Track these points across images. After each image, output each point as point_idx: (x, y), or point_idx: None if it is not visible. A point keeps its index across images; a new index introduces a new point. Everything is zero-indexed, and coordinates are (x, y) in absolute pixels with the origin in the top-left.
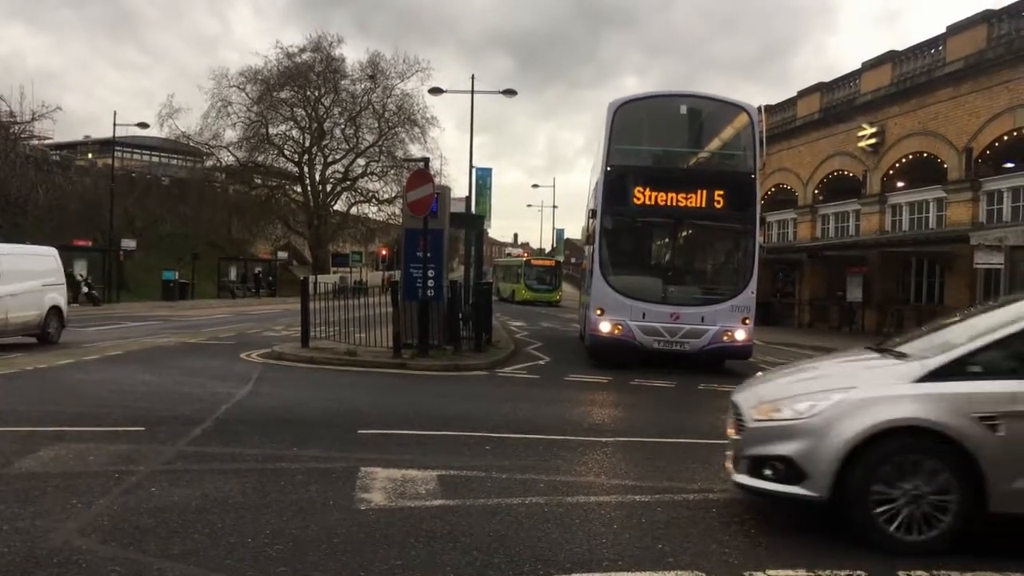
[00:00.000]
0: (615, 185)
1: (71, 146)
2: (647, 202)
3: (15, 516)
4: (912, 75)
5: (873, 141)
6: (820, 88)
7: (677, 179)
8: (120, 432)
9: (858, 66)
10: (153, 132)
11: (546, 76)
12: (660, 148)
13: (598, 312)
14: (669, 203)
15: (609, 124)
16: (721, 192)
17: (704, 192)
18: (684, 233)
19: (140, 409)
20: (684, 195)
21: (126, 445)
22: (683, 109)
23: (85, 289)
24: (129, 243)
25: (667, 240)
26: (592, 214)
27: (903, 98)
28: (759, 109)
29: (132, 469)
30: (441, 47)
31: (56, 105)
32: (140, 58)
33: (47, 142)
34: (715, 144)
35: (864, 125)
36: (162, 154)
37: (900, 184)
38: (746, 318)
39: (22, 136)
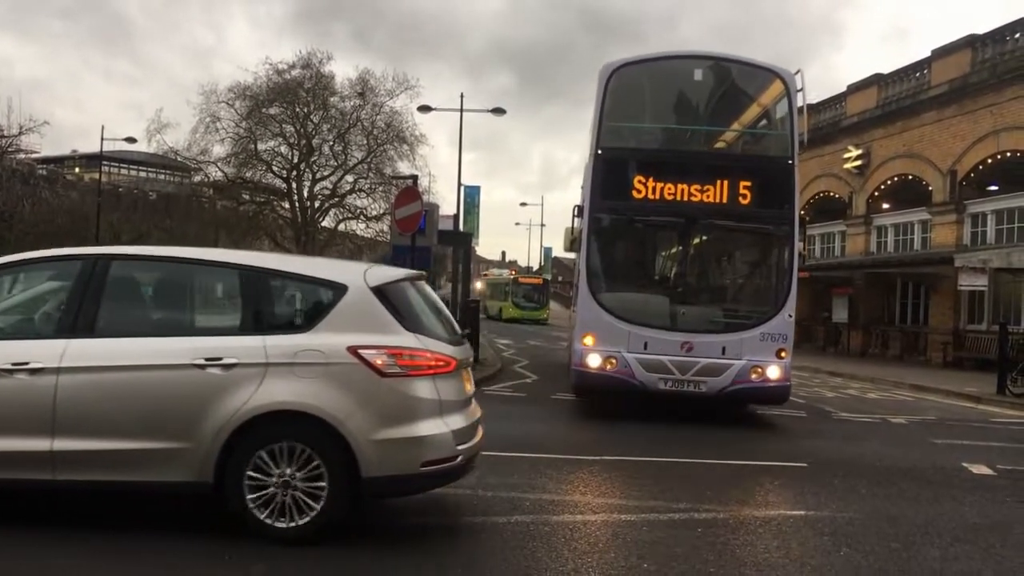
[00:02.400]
0: (608, 174)
1: (58, 160)
2: (650, 196)
3: None
4: (897, 98)
5: (859, 163)
6: (807, 109)
7: (690, 166)
8: None
9: (844, 88)
10: (141, 147)
11: (548, 92)
12: (668, 125)
13: (586, 341)
14: (679, 197)
15: (601, 94)
16: (748, 183)
17: (726, 183)
18: (699, 237)
19: None
20: (699, 187)
21: None
22: (698, 75)
23: None
24: None
25: (677, 246)
26: (578, 212)
27: (888, 120)
28: (798, 75)
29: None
30: (443, 61)
31: (44, 119)
32: (133, 70)
33: (34, 156)
34: (741, 120)
35: (850, 147)
36: (150, 169)
37: (885, 206)
38: (782, 350)
39: (9, 150)
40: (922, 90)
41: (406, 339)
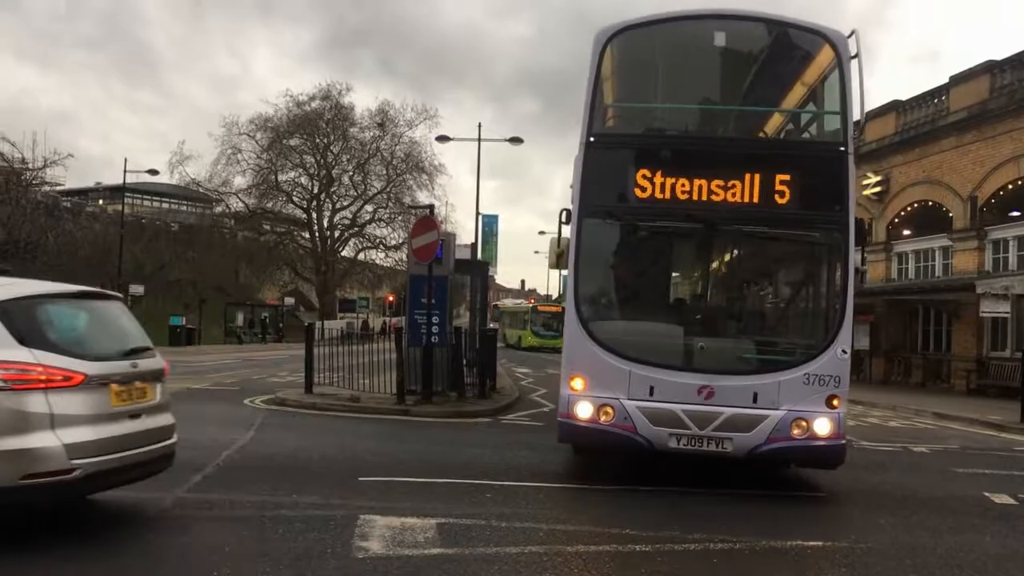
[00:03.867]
0: (603, 168)
1: (82, 192)
2: (658, 195)
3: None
4: (916, 124)
5: (878, 189)
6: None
7: (711, 156)
8: None
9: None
10: (164, 178)
11: (573, 118)
12: (681, 105)
13: (574, 384)
14: (696, 197)
15: (595, 67)
16: (787, 177)
17: (758, 178)
18: (723, 248)
19: None
20: (723, 183)
21: (126, 491)
22: (720, 39)
23: None
24: (137, 288)
25: (693, 260)
26: (566, 219)
27: (907, 147)
28: (852, 39)
29: (132, 516)
30: (468, 87)
31: (68, 152)
32: (156, 100)
33: (59, 188)
34: (777, 97)
35: (869, 174)
36: (172, 200)
37: (906, 232)
38: (834, 396)
39: (34, 183)
40: (941, 116)
41: (18, 354)
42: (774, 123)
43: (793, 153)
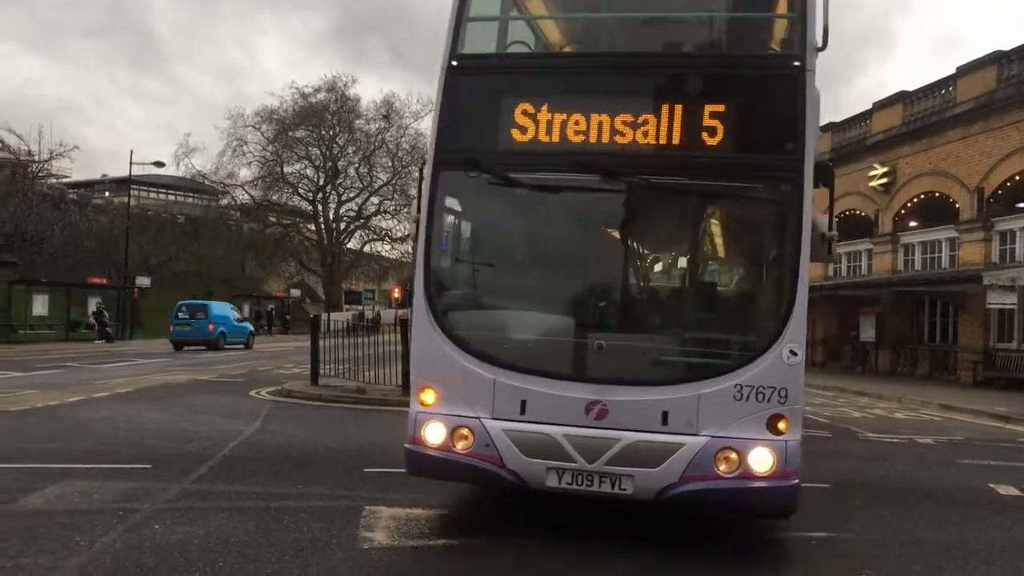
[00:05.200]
0: (468, 100)
1: (88, 184)
2: (541, 137)
3: (19, 553)
4: (923, 115)
5: (884, 181)
6: (831, 128)
7: (615, 81)
8: (126, 469)
9: (869, 106)
10: (170, 171)
11: None
12: (573, 15)
13: (423, 398)
14: (595, 138)
15: None
16: (719, 106)
17: (679, 109)
18: (627, 209)
19: (148, 446)
20: (630, 118)
21: (132, 483)
22: None
23: (92, 322)
24: (144, 281)
25: (586, 227)
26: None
27: (914, 138)
28: None
29: (136, 507)
30: None
31: (74, 144)
32: (162, 89)
33: (65, 180)
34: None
35: (875, 164)
36: (178, 192)
37: (912, 223)
38: (779, 417)
39: (40, 175)
40: (948, 107)
41: None
42: (703, 32)
43: (728, 72)
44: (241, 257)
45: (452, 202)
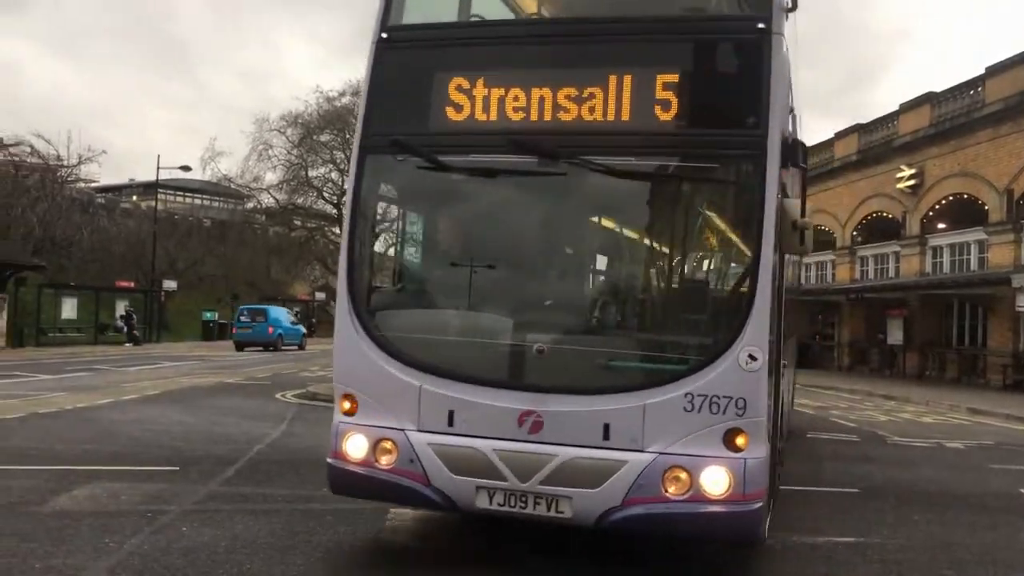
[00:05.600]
0: (399, 76)
1: (116, 189)
2: (478, 116)
3: (48, 554)
4: (951, 116)
5: (912, 182)
6: (858, 129)
7: (558, 51)
8: (154, 472)
9: (896, 107)
10: (196, 175)
11: None
12: None
13: (345, 406)
14: (536, 115)
15: None
16: (673, 76)
17: (628, 79)
18: (572, 196)
19: (175, 449)
20: (574, 92)
21: (160, 484)
22: None
23: (121, 325)
24: (170, 284)
25: (524, 215)
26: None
27: (942, 139)
28: None
29: (164, 509)
30: None
31: (102, 148)
32: (189, 93)
33: (93, 185)
34: None
35: (903, 166)
36: (204, 196)
37: (940, 226)
38: (737, 432)
39: (68, 180)
40: (976, 108)
41: None
42: None
43: (683, 37)
44: (266, 260)
45: (380, 190)
